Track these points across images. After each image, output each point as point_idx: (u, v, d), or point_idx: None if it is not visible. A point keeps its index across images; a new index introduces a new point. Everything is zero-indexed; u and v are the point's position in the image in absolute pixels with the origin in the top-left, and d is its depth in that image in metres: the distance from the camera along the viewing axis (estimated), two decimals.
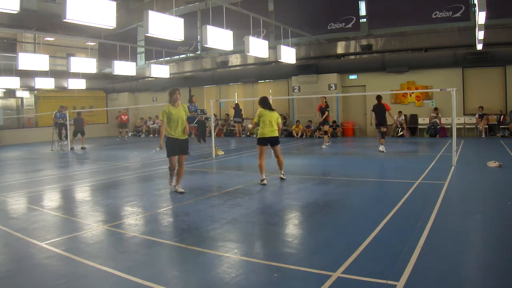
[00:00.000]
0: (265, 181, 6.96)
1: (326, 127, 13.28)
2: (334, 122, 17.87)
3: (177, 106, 6.34)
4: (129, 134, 22.09)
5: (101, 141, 20.49)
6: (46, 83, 18.49)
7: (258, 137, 7.22)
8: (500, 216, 4.70)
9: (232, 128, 21.13)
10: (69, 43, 20.36)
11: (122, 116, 21.33)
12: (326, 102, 13.09)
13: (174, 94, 6.34)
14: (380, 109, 11.28)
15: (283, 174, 7.37)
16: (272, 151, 7.40)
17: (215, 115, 19.56)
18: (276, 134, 7.13)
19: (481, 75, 15.79)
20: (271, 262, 3.38)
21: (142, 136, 23.66)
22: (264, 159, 7.10)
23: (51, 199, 6.49)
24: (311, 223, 4.73)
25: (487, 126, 15.13)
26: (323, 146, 13.11)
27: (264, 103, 7.22)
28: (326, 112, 13.01)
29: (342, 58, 18.42)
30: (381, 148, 11.22)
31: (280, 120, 7.29)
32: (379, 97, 11.44)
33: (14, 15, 12.44)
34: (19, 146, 18.63)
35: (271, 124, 7.07)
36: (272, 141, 7.14)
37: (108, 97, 26.49)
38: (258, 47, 12.49)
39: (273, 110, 7.22)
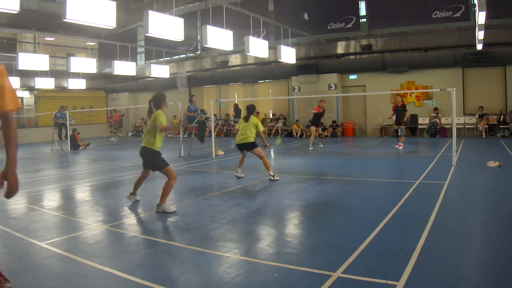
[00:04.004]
0: (237, 175, 7.69)
1: (312, 128, 13.05)
2: (334, 122, 17.89)
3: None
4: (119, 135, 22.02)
5: (101, 141, 20.48)
6: (46, 83, 18.49)
7: None
8: (500, 216, 4.70)
9: (232, 128, 21.13)
10: (69, 43, 20.34)
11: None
12: (323, 107, 13.05)
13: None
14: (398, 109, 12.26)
15: (271, 175, 7.36)
16: None
17: (215, 115, 19.57)
18: (248, 141, 7.50)
19: (481, 75, 15.80)
20: (271, 262, 3.38)
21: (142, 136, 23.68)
22: (242, 157, 7.79)
23: (51, 199, 6.49)
24: (311, 223, 4.73)
25: (487, 126, 15.14)
26: (321, 146, 13.19)
27: (247, 112, 7.75)
28: (323, 117, 13.28)
29: (342, 58, 18.42)
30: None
31: (260, 128, 7.63)
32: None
33: (14, 15, 12.41)
34: (19, 146, 18.38)
35: (244, 132, 7.54)
36: (246, 147, 7.60)
37: (108, 97, 26.51)
38: (258, 47, 12.49)
39: (248, 120, 7.55)
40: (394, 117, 12.31)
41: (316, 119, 12.99)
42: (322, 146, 13.24)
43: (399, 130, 12.10)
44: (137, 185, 5.85)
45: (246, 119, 7.60)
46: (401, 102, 12.30)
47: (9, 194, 2.30)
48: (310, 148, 12.63)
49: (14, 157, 2.31)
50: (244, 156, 7.79)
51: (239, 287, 2.94)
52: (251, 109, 7.73)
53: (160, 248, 3.89)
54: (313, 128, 13.06)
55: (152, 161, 5.43)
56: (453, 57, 15.52)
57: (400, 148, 11.87)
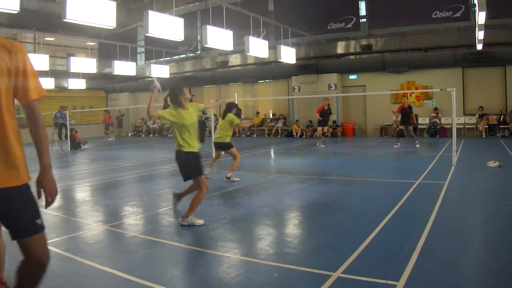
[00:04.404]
0: (207, 175, 7.19)
1: (319, 129, 13.26)
2: (334, 122, 17.88)
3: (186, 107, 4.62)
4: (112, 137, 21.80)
5: (101, 141, 20.48)
6: (46, 83, 18.43)
7: None
8: (500, 216, 4.70)
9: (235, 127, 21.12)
10: (69, 43, 20.34)
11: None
12: (329, 105, 13.09)
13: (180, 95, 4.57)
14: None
15: (227, 177, 7.31)
16: None
17: (215, 115, 19.55)
18: (221, 140, 7.41)
19: (481, 75, 15.80)
20: (271, 262, 3.38)
21: (142, 136, 23.70)
22: (215, 157, 7.99)
23: None
24: (311, 223, 4.73)
25: (487, 126, 15.14)
26: (322, 146, 13.20)
27: (225, 109, 7.61)
28: (330, 116, 13.28)
29: (342, 58, 18.42)
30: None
31: (236, 121, 7.47)
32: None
33: (14, 15, 12.40)
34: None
35: (220, 131, 7.45)
36: (221, 147, 7.55)
37: (108, 97, 26.50)
38: (258, 47, 12.49)
39: (224, 118, 7.45)
40: (399, 118, 12.33)
41: (323, 119, 13.06)
42: (323, 146, 13.22)
43: (409, 130, 12.18)
44: (187, 191, 5.11)
45: (223, 116, 7.54)
46: (407, 104, 12.34)
47: (48, 204, 2.05)
48: (322, 146, 12.94)
49: (48, 162, 2.03)
50: (217, 158, 7.88)
51: (239, 287, 2.94)
52: (229, 107, 7.60)
53: (160, 248, 3.89)
54: (319, 129, 13.23)
55: (182, 166, 4.61)
56: (453, 57, 15.52)
57: (417, 146, 12.12)
